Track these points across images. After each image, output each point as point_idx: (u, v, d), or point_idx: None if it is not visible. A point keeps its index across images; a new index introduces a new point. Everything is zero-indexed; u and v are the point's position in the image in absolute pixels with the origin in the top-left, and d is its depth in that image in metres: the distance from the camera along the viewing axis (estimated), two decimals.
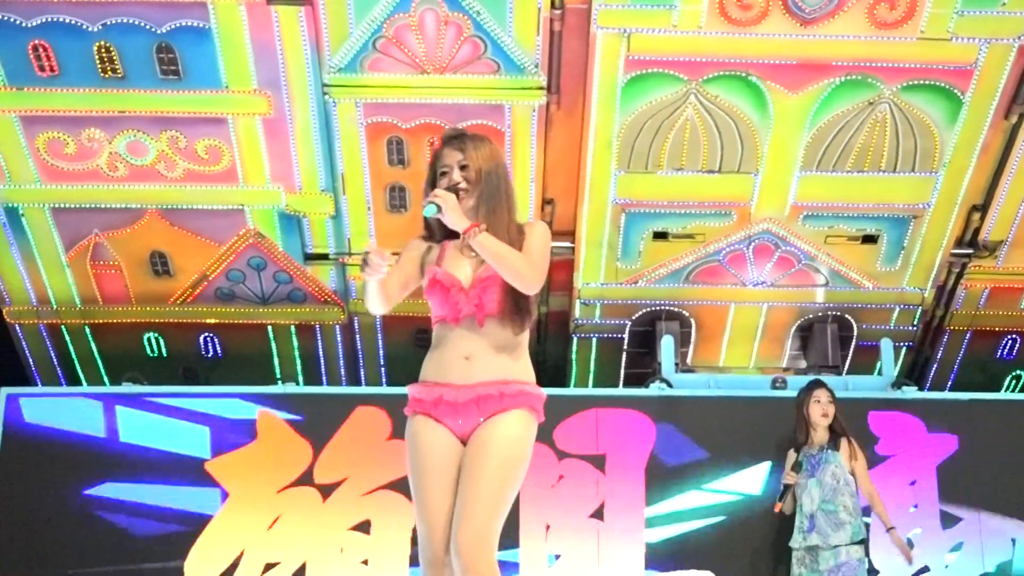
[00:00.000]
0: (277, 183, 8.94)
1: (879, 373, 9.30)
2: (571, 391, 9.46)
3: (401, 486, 8.09)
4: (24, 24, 7.99)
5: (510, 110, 8.54)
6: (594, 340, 9.92)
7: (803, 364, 9.96)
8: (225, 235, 9.27)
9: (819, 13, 7.94)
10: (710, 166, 8.82)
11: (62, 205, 9.04)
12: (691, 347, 9.82)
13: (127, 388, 8.67)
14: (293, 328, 9.92)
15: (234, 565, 8.11)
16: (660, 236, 9.23)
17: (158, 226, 9.17)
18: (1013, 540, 8.07)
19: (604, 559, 8.01)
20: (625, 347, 9.84)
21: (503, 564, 7.91)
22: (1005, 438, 8.34)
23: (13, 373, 9.75)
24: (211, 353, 10.05)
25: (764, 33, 8.05)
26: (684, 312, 9.67)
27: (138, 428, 8.47)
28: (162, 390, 8.68)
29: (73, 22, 7.98)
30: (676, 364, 9.15)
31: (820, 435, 7.04)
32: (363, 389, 8.75)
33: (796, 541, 6.83)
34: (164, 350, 9.95)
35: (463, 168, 3.77)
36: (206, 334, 9.95)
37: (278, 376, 9.95)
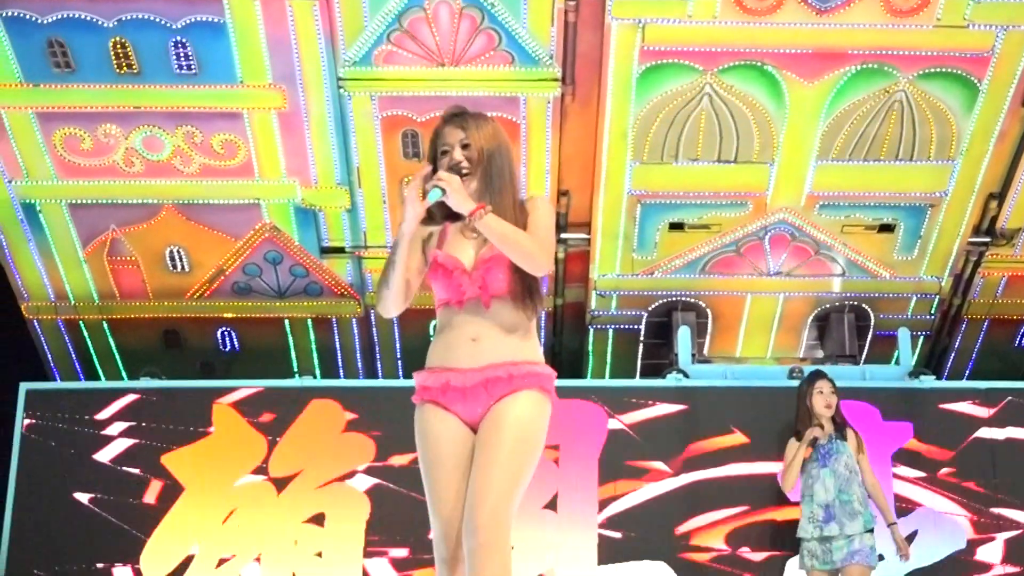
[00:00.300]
0: (293, 177, 8.95)
1: (896, 363, 9.28)
2: (588, 382, 9.45)
3: (356, 478, 8.17)
4: (40, 20, 8.01)
5: (525, 102, 8.54)
6: (610, 331, 9.93)
7: (820, 354, 9.94)
8: (241, 229, 9.29)
9: (835, 2, 7.92)
10: (726, 156, 8.80)
11: (79, 201, 9.08)
12: (708, 338, 9.81)
13: (145, 383, 8.68)
14: (310, 322, 9.95)
15: (188, 559, 8.09)
16: (676, 227, 9.22)
17: (174, 221, 9.20)
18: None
19: (557, 550, 7.98)
20: (641, 338, 9.84)
21: None
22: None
23: (32, 368, 9.81)
24: (228, 347, 10.08)
25: (779, 22, 8.03)
26: (700, 303, 9.66)
27: None
28: (180, 384, 8.69)
29: (89, 18, 8.01)
30: (693, 355, 9.12)
31: (827, 426, 7.00)
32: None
33: (807, 531, 6.74)
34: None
35: (465, 147, 3.60)
36: (223, 328, 9.99)
37: (295, 370, 9.98)
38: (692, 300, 9.64)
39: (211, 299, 9.73)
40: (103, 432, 8.34)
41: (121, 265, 9.50)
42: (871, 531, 6.66)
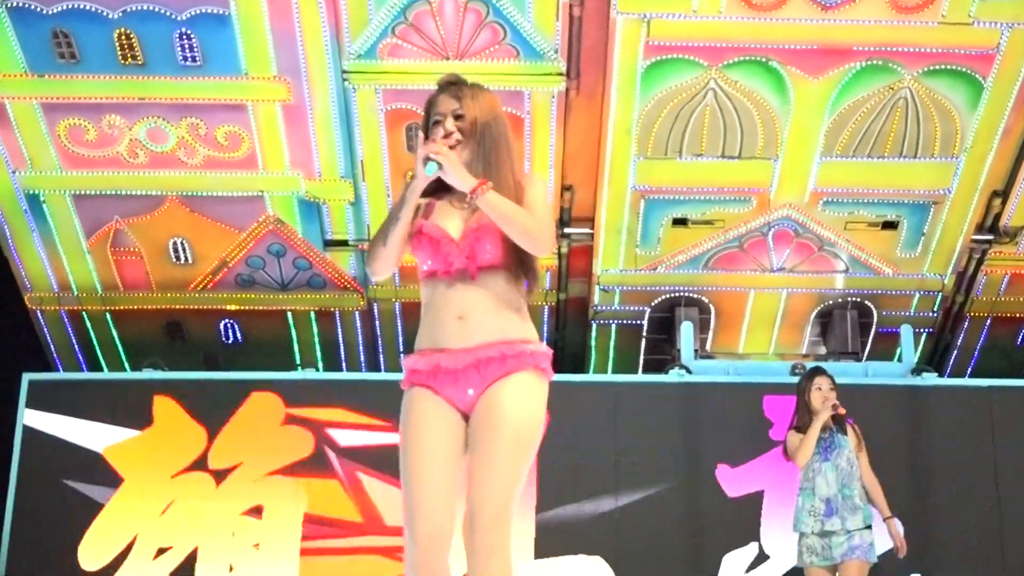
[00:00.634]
0: (297, 170, 8.96)
1: (899, 360, 9.28)
2: (591, 377, 9.46)
3: (293, 470, 8.22)
4: (45, 11, 8.02)
5: (529, 96, 8.54)
6: (613, 327, 9.93)
7: (823, 350, 9.94)
8: (245, 222, 9.30)
9: None
10: (730, 152, 8.80)
11: (83, 192, 9.08)
12: (710, 333, 9.81)
13: (148, 374, 8.70)
14: (313, 314, 9.95)
15: (127, 550, 8.11)
16: (679, 222, 9.22)
17: (178, 213, 9.21)
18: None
19: None
20: (644, 333, 9.84)
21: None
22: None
23: (35, 359, 9.81)
24: (231, 339, 10.08)
25: (784, 18, 8.03)
26: (703, 298, 9.66)
27: None
28: (182, 376, 8.71)
29: (94, 9, 8.01)
30: (695, 350, 9.13)
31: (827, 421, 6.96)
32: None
33: (808, 525, 6.68)
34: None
35: (458, 118, 3.41)
36: (226, 320, 9.99)
37: (298, 362, 9.98)
38: (695, 296, 9.64)
39: (214, 291, 9.73)
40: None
41: (124, 256, 9.50)
42: (870, 527, 6.66)
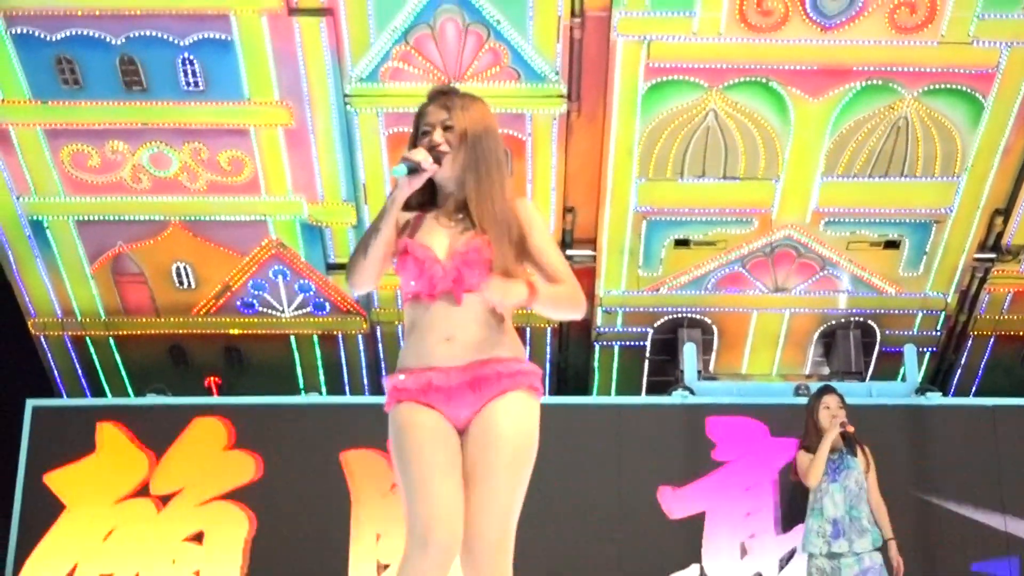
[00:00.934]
0: (299, 193, 8.98)
1: (903, 379, 9.26)
2: (594, 399, 9.45)
3: (237, 495, 8.18)
4: (49, 38, 8.06)
5: (531, 119, 8.56)
6: (616, 348, 9.92)
7: (826, 371, 9.92)
8: (248, 246, 9.31)
9: (840, 18, 7.94)
10: (731, 173, 8.81)
11: (86, 217, 9.10)
12: (713, 354, 9.80)
13: (151, 399, 8.70)
14: (316, 338, 9.95)
15: None
16: (681, 243, 9.23)
17: (181, 237, 9.23)
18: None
19: None
20: (647, 355, 9.83)
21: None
22: None
23: (38, 384, 9.81)
24: (234, 364, 10.08)
25: (784, 39, 8.06)
26: (706, 319, 9.66)
27: None
28: (185, 401, 8.70)
29: (97, 36, 8.05)
30: (699, 371, 9.13)
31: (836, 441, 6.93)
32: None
33: (816, 546, 6.66)
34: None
35: (447, 129, 3.31)
36: (229, 345, 9.98)
37: (301, 386, 9.98)
38: (698, 317, 9.64)
39: (217, 315, 9.74)
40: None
41: (128, 281, 9.51)
42: (879, 549, 6.62)
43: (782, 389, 9.05)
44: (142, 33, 8.06)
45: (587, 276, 9.49)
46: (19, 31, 8.04)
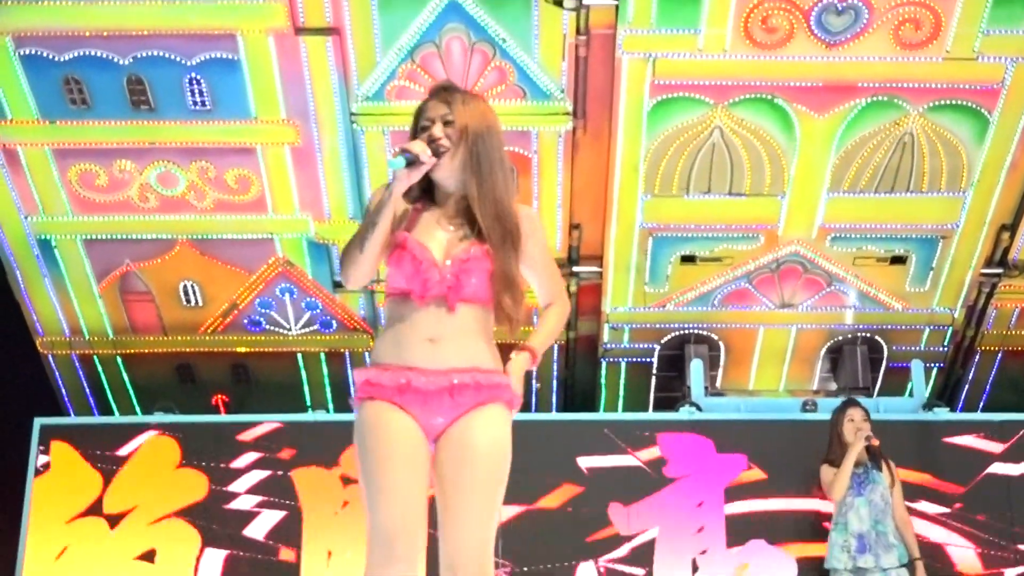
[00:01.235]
0: (306, 212, 9.00)
1: (910, 395, 9.24)
2: (601, 416, 9.43)
3: (188, 514, 8.20)
4: (57, 59, 8.10)
5: (536, 136, 8.58)
6: (623, 364, 9.92)
7: (833, 386, 9.91)
8: (255, 264, 9.33)
9: (844, 35, 7.95)
10: (737, 189, 8.82)
11: (94, 236, 9.13)
12: (720, 370, 9.79)
13: (159, 418, 8.70)
14: (323, 355, 9.96)
15: None
16: (688, 260, 9.23)
17: (188, 256, 9.25)
18: (797, 561, 7.94)
19: None
20: (654, 371, 9.82)
21: None
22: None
23: (46, 403, 9.83)
24: (242, 381, 10.09)
25: (790, 56, 8.07)
26: (713, 335, 9.65)
27: None
28: (194, 419, 8.71)
29: (104, 56, 8.09)
30: (705, 388, 9.11)
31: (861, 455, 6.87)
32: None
33: (841, 561, 6.57)
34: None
35: (447, 124, 3.21)
36: (237, 363, 10.00)
37: (308, 404, 9.99)
38: (704, 333, 9.64)
39: (225, 333, 9.76)
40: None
41: (135, 300, 9.54)
42: (905, 566, 6.57)
43: (789, 405, 9.03)
44: (149, 53, 8.09)
45: (593, 292, 9.50)
46: (27, 52, 8.08)
